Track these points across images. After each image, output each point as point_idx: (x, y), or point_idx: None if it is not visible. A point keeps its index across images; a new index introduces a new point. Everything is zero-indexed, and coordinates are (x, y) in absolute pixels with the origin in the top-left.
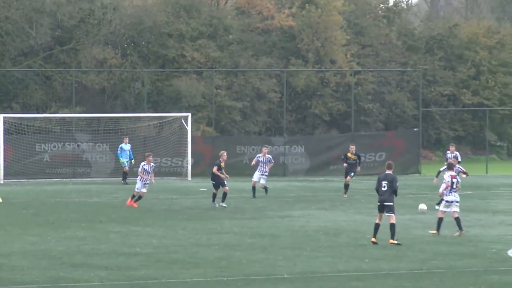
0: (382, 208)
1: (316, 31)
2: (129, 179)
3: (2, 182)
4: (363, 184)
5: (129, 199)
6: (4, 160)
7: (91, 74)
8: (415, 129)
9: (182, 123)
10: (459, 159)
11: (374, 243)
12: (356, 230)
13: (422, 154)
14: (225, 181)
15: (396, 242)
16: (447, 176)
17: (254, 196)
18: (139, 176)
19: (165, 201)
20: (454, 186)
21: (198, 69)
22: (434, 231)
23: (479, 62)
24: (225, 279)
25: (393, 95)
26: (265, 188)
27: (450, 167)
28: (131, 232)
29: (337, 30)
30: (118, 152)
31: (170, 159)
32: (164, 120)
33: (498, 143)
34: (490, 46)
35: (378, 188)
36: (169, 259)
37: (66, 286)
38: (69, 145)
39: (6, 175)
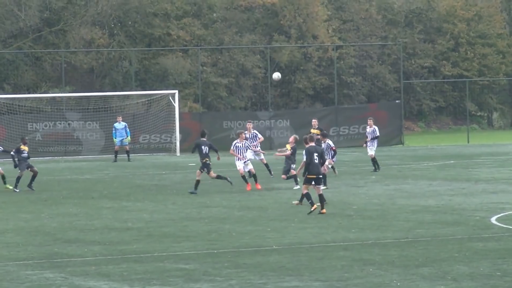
0: (311, 181)
1: (298, 7)
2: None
3: None
4: (348, 156)
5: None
6: None
7: (79, 54)
8: (397, 101)
9: (170, 100)
10: (377, 134)
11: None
12: (342, 201)
13: (405, 125)
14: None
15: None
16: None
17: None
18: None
19: (155, 176)
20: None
21: (184, 47)
22: (297, 202)
23: (457, 34)
24: (215, 251)
25: (374, 68)
26: (266, 166)
27: (311, 139)
28: (122, 207)
29: (318, 6)
30: (113, 132)
31: (159, 135)
32: (152, 98)
33: (478, 113)
34: (468, 19)
35: (310, 161)
36: (160, 233)
37: (61, 261)
38: (60, 124)
39: None
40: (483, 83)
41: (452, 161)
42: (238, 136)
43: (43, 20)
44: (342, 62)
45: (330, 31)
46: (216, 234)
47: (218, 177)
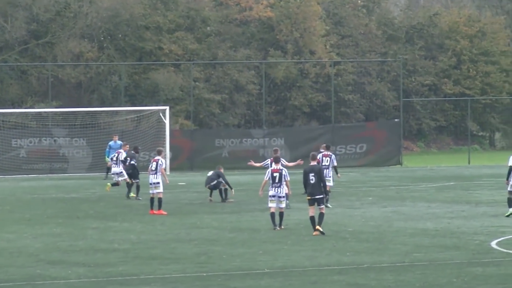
0: (313, 202)
1: (294, 21)
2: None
3: None
4: (344, 176)
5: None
6: None
7: (67, 68)
8: (396, 120)
9: (160, 116)
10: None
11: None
12: (337, 223)
13: (404, 145)
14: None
15: (321, 230)
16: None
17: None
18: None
19: (143, 196)
20: (277, 181)
21: (176, 62)
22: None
23: (460, 51)
24: (204, 274)
25: (373, 85)
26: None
27: (276, 160)
28: (108, 228)
29: (316, 20)
30: (106, 149)
31: (148, 153)
32: (141, 114)
33: (480, 133)
34: (471, 35)
35: (306, 182)
36: (148, 254)
37: (43, 283)
38: (46, 140)
39: None
40: (486, 102)
41: (452, 183)
42: (159, 153)
43: (30, 32)
44: (339, 78)
45: (328, 46)
46: (205, 257)
47: None
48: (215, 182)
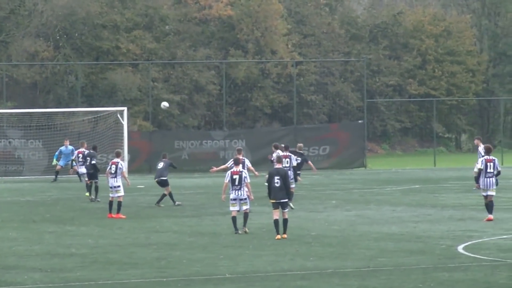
0: (277, 205)
1: (255, 20)
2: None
3: None
4: (307, 179)
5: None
6: None
7: (22, 68)
8: (359, 121)
9: (118, 117)
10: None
11: (279, 239)
12: (300, 227)
13: (368, 147)
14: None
15: (286, 237)
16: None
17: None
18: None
19: (102, 199)
20: (237, 183)
21: (134, 61)
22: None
23: (425, 50)
24: (164, 279)
25: (336, 86)
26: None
27: (236, 162)
28: (66, 232)
29: (277, 19)
30: (56, 153)
31: (106, 155)
32: (99, 115)
33: (446, 135)
34: (436, 34)
35: (270, 185)
36: (106, 259)
37: None
38: (0, 142)
39: None
40: (452, 103)
41: (417, 186)
42: (118, 155)
43: None
44: (302, 79)
45: (289, 46)
46: (165, 261)
47: None
48: (165, 178)
